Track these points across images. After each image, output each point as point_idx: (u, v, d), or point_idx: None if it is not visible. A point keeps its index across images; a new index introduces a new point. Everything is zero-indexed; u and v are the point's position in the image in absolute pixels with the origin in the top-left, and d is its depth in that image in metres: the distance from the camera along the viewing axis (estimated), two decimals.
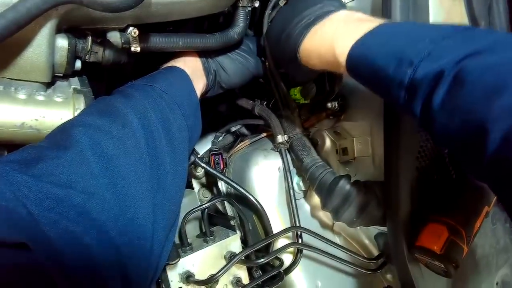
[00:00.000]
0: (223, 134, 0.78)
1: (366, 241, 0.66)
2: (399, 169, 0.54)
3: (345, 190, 0.56)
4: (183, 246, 0.52)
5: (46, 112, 0.39)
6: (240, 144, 0.71)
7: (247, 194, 0.58)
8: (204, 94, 0.60)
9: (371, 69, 0.39)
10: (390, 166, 0.55)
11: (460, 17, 0.62)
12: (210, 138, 0.79)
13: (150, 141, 0.41)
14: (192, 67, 0.56)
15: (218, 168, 0.66)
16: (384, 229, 0.61)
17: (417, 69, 0.35)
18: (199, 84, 0.57)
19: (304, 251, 0.61)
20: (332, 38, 0.44)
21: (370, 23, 0.42)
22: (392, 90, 0.37)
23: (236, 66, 0.61)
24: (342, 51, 0.42)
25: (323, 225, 0.68)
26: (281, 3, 0.62)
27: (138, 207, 0.37)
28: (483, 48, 0.32)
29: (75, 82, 0.45)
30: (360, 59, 0.41)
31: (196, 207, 0.53)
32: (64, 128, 0.38)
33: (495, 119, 0.28)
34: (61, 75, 0.44)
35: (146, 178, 0.39)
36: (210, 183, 0.73)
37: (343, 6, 0.51)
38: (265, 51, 0.64)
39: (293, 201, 0.60)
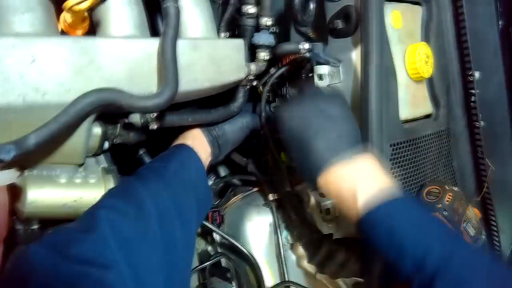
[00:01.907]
0: (217, 185, 0.86)
1: None
2: None
3: (329, 248, 0.64)
4: None
5: (83, 193, 0.46)
6: (233, 198, 0.79)
7: (245, 250, 0.66)
8: (210, 163, 0.68)
9: (388, 234, 0.43)
10: None
11: (423, 97, 0.74)
12: None
13: (162, 220, 0.47)
14: (199, 144, 0.64)
15: (215, 223, 0.73)
16: (361, 279, 0.70)
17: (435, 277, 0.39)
18: (206, 156, 0.65)
19: None
20: (355, 189, 0.46)
21: (389, 185, 0.46)
22: (401, 268, 0.42)
23: (237, 128, 0.70)
24: (364, 202, 0.45)
25: (307, 273, 0.76)
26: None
27: (151, 279, 0.43)
28: None
29: (102, 160, 0.52)
30: (379, 221, 0.44)
31: (199, 266, 0.60)
32: (91, 211, 0.45)
33: None
34: (90, 154, 0.51)
35: (158, 254, 0.45)
36: (204, 233, 0.80)
37: (358, 137, 0.55)
38: (262, 120, 0.73)
39: (282, 256, 0.68)
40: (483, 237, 0.72)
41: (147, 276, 0.43)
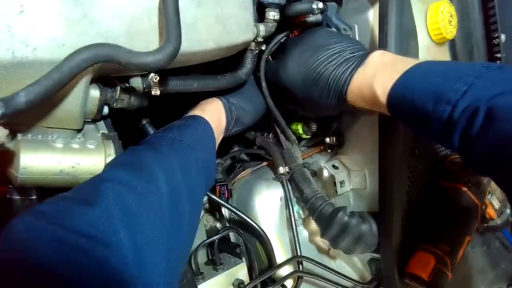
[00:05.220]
0: (225, 161, 0.82)
1: (360, 266, 0.72)
2: (392, 202, 0.60)
3: (343, 221, 0.61)
4: (195, 275, 0.56)
5: (81, 159, 0.42)
6: (242, 173, 0.76)
7: (253, 224, 0.63)
8: (223, 137, 0.64)
9: (411, 107, 0.44)
10: (384, 200, 0.61)
11: None
12: None
13: (172, 198, 0.43)
14: (217, 119, 0.60)
15: (223, 197, 0.70)
16: (376, 254, 0.66)
17: (455, 107, 0.40)
18: (219, 133, 0.61)
19: (304, 276, 0.66)
20: (372, 80, 0.49)
21: (404, 63, 0.47)
22: (431, 125, 0.42)
23: (254, 105, 0.66)
24: (382, 92, 0.47)
25: (320, 250, 0.73)
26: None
27: (153, 260, 0.39)
28: (510, 89, 0.37)
29: (102, 126, 0.48)
30: (399, 99, 0.46)
31: (207, 239, 0.57)
32: (94, 182, 0.40)
33: None
34: (89, 120, 0.47)
35: (163, 234, 0.41)
36: (213, 209, 0.77)
37: (364, 48, 0.56)
38: (263, 90, 0.68)
39: (294, 231, 0.65)
40: (508, 210, 0.68)
41: (149, 257, 0.39)
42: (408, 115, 0.46)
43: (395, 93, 0.46)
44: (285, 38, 0.67)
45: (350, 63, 0.52)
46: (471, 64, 0.48)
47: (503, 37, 0.72)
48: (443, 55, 0.68)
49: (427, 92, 0.43)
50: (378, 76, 0.49)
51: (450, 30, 0.63)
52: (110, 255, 0.36)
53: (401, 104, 0.46)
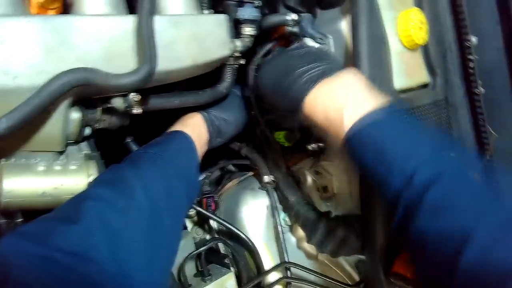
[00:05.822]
0: (212, 173, 0.83)
1: (348, 268, 0.73)
2: (374, 205, 0.62)
3: (328, 226, 0.62)
4: (183, 287, 0.57)
5: (64, 180, 0.44)
6: (229, 184, 0.77)
7: (241, 234, 0.64)
8: (206, 150, 0.65)
9: (379, 157, 0.42)
10: (365, 203, 0.62)
11: (419, 66, 0.72)
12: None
13: (152, 212, 0.44)
14: (198, 133, 0.61)
15: (210, 209, 0.71)
16: (363, 256, 0.68)
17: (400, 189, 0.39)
18: (201, 146, 0.62)
19: (293, 282, 0.67)
20: (343, 104, 0.45)
21: (376, 98, 0.45)
22: (389, 184, 0.41)
23: (235, 116, 0.68)
24: (348, 122, 0.44)
25: (308, 255, 0.75)
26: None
27: (135, 276, 0.40)
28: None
29: (84, 147, 0.50)
30: (362, 142, 0.43)
31: (194, 251, 0.58)
32: (77, 201, 0.42)
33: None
34: (72, 141, 0.49)
35: (144, 249, 0.42)
36: (202, 221, 0.78)
37: (339, 64, 0.56)
38: (250, 100, 0.71)
39: (281, 237, 0.66)
40: None
41: (131, 271, 0.40)
42: (368, 156, 0.43)
43: (364, 128, 0.43)
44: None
45: (319, 70, 0.51)
46: (436, 141, 0.45)
47: (474, 39, 0.74)
48: (417, 60, 0.71)
49: (395, 150, 0.41)
50: (349, 102, 0.45)
51: (422, 36, 0.65)
52: (92, 270, 0.36)
53: (362, 146, 0.43)
